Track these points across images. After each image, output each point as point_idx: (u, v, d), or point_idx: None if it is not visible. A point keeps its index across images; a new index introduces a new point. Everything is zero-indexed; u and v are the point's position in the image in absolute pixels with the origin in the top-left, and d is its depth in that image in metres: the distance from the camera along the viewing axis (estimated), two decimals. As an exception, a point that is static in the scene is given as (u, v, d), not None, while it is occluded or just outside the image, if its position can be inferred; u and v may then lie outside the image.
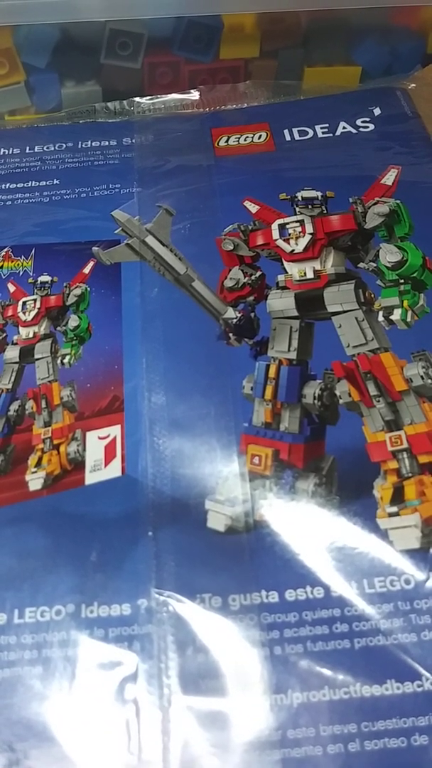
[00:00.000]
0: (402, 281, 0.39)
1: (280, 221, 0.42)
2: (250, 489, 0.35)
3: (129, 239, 0.45)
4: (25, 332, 0.43)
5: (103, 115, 0.56)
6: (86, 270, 0.44)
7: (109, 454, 0.37)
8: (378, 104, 0.53)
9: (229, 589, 0.32)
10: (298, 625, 0.31)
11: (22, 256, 0.46)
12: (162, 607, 0.32)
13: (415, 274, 0.39)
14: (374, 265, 0.40)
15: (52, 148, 0.53)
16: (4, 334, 0.43)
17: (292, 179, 0.47)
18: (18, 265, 0.45)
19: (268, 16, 0.52)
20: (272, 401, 0.38)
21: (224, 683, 0.30)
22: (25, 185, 0.50)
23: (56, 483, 0.37)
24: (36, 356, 0.42)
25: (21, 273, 0.45)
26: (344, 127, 0.52)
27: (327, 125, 0.52)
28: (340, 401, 0.37)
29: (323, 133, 0.52)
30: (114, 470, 0.36)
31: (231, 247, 0.43)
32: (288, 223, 0.42)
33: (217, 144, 0.52)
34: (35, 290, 0.44)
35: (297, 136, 0.52)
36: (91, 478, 0.36)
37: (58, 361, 0.42)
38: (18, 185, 0.50)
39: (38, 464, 0.38)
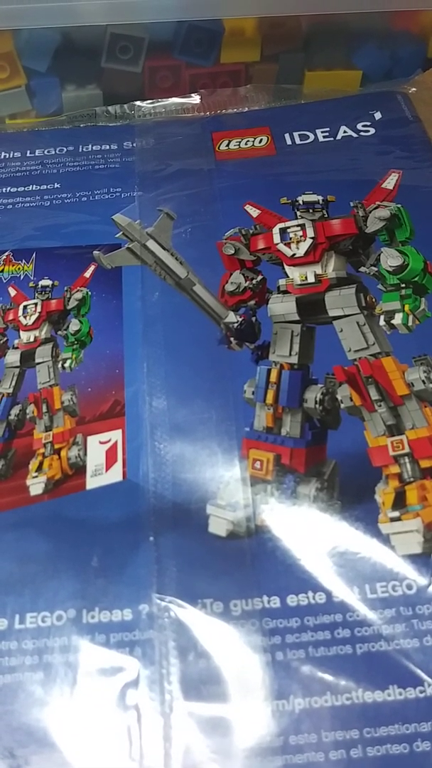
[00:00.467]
0: (403, 285, 0.39)
1: (281, 225, 0.42)
2: (252, 494, 0.35)
3: (130, 243, 0.45)
4: (26, 336, 0.43)
5: (104, 119, 0.56)
6: (87, 274, 0.44)
7: (110, 459, 0.37)
8: (379, 108, 0.53)
9: (230, 595, 0.32)
10: (299, 631, 0.31)
11: (23, 260, 0.46)
12: (163, 612, 0.32)
13: (416, 279, 0.39)
14: (375, 269, 0.40)
15: (53, 152, 0.53)
16: (5, 338, 0.43)
17: (293, 183, 0.47)
18: (19, 269, 0.45)
19: (269, 20, 0.52)
20: (273, 406, 0.38)
21: (226, 689, 0.30)
22: (26, 189, 0.50)
23: (57, 488, 0.37)
24: (37, 360, 0.42)
25: (22, 277, 0.45)
26: (345, 131, 0.52)
27: (328, 129, 0.52)
28: (342, 406, 0.37)
29: (324, 137, 0.52)
30: (115, 475, 0.36)
31: (232, 251, 0.43)
32: (289, 227, 0.42)
33: (218, 148, 0.52)
34: (36, 294, 0.44)
35: (298, 140, 0.52)
36: (92, 482, 0.36)
37: (59, 366, 0.41)
38: (19, 189, 0.50)
39: (39, 469, 0.38)
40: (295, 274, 0.41)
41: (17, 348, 0.43)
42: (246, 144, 0.52)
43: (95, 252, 0.45)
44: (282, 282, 0.41)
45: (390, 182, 0.43)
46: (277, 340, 0.40)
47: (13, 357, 0.42)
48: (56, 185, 0.50)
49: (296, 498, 0.35)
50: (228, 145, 0.52)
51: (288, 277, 0.41)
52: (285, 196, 0.43)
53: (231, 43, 0.53)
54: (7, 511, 0.36)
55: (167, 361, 0.40)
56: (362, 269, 0.41)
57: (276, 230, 0.42)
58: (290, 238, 0.41)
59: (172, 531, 0.34)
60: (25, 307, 0.44)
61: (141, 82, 0.55)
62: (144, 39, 0.52)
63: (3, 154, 0.53)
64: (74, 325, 0.42)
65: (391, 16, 0.53)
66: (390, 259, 0.39)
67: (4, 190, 0.50)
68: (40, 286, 0.45)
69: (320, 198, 0.43)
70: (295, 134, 0.52)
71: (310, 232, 0.41)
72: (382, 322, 0.39)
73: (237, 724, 0.29)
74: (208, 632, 0.31)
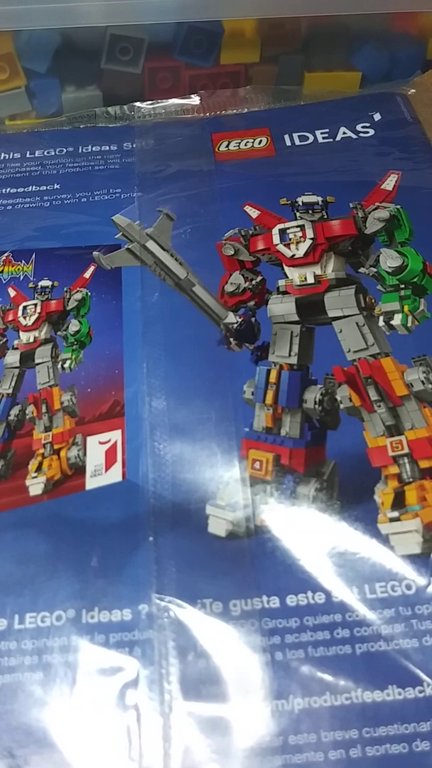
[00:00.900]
0: (402, 286, 0.39)
1: (281, 226, 0.42)
2: (251, 494, 0.35)
3: (130, 244, 0.45)
4: (25, 337, 0.43)
5: (104, 120, 0.56)
6: (87, 274, 0.44)
7: (110, 459, 0.37)
8: (378, 110, 0.53)
9: (230, 595, 0.32)
10: (299, 631, 0.31)
11: (23, 261, 0.46)
12: (163, 612, 0.32)
13: (415, 279, 0.39)
14: (375, 270, 0.40)
15: (53, 153, 0.53)
16: (5, 339, 0.43)
17: (292, 184, 0.47)
18: (18, 269, 0.45)
19: (269, 22, 0.52)
20: (273, 406, 0.38)
21: (225, 689, 0.30)
22: (26, 190, 0.50)
23: (57, 488, 0.37)
24: (36, 361, 0.42)
25: (21, 278, 0.45)
26: (344, 133, 0.52)
27: (327, 130, 0.52)
28: (341, 406, 0.37)
29: (323, 138, 0.52)
30: (114, 475, 0.36)
31: (231, 252, 0.43)
32: (288, 228, 0.42)
33: (218, 149, 0.52)
34: (36, 295, 0.44)
35: (297, 141, 0.52)
36: (91, 483, 0.36)
37: (59, 366, 0.42)
38: (18, 190, 0.50)
39: (39, 469, 0.38)
40: (294, 274, 0.41)
41: (17, 348, 0.43)
42: (245, 145, 0.52)
43: (95, 253, 0.45)
44: (281, 283, 0.41)
45: (389, 183, 0.44)
46: (276, 341, 0.40)
47: (12, 357, 0.42)
48: (56, 186, 0.50)
49: (296, 498, 0.35)
50: (228, 146, 0.52)
51: (287, 277, 0.41)
52: (284, 197, 0.43)
53: (230, 44, 0.53)
54: (7, 511, 0.36)
55: (167, 361, 0.40)
56: (361, 270, 0.41)
57: (275, 231, 0.42)
58: (290, 239, 0.41)
59: (171, 531, 0.34)
60: (24, 307, 0.44)
61: (141, 83, 0.55)
62: (144, 40, 0.52)
63: (3, 155, 0.53)
64: (74, 325, 0.42)
65: (391, 18, 0.53)
66: (389, 260, 0.39)
67: (3, 190, 0.50)
68: (39, 286, 0.45)
69: (320, 199, 0.43)
70: (295, 135, 0.52)
71: (309, 233, 0.41)
72: (381, 323, 0.39)
73: (236, 723, 0.29)
74: (207, 632, 0.31)
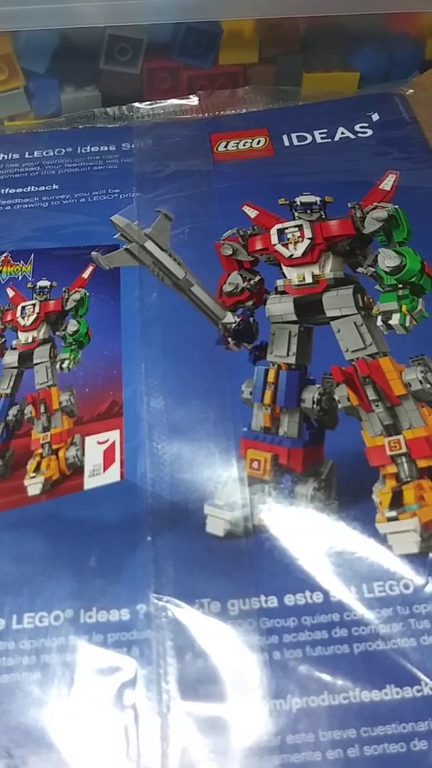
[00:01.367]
0: (400, 286, 0.39)
1: (279, 226, 0.42)
2: (249, 493, 0.35)
3: (128, 244, 0.45)
4: (24, 337, 0.43)
5: (103, 121, 0.56)
6: (85, 275, 0.44)
7: (108, 459, 0.37)
8: (376, 110, 0.53)
9: (228, 594, 0.32)
10: (297, 630, 0.31)
11: (21, 261, 0.46)
12: (161, 612, 0.32)
13: (413, 279, 0.39)
14: (373, 269, 0.40)
15: (52, 154, 0.53)
16: (3, 339, 0.43)
17: (290, 184, 0.47)
18: (17, 270, 0.45)
19: (267, 22, 0.52)
20: (271, 406, 0.38)
21: (223, 688, 0.30)
22: (25, 190, 0.50)
23: (55, 488, 0.37)
24: (35, 361, 0.42)
25: (20, 278, 0.45)
26: (343, 133, 0.52)
27: (325, 131, 0.52)
28: (339, 406, 0.37)
29: (322, 138, 0.52)
30: (113, 475, 0.36)
31: (230, 252, 0.43)
32: (287, 228, 0.42)
33: (216, 149, 0.52)
34: (34, 295, 0.44)
35: (296, 142, 0.52)
36: (89, 483, 0.36)
37: (57, 366, 0.42)
38: (17, 190, 0.50)
39: (37, 469, 0.38)
40: (292, 274, 0.41)
41: (15, 349, 0.43)
42: (244, 145, 0.52)
43: (93, 253, 0.45)
44: (280, 282, 0.41)
45: (387, 183, 0.44)
46: (274, 341, 0.40)
47: (11, 358, 0.42)
48: (55, 186, 0.50)
49: (294, 498, 0.35)
50: (226, 146, 0.52)
51: (286, 277, 0.41)
52: (283, 197, 0.43)
53: (229, 44, 0.53)
54: (5, 511, 0.36)
55: (165, 361, 0.40)
56: (360, 270, 0.41)
57: (274, 231, 0.42)
58: (288, 239, 0.41)
59: (169, 531, 0.34)
60: (23, 307, 0.44)
61: (139, 83, 0.55)
62: (142, 40, 0.52)
63: (2, 155, 0.53)
64: (72, 325, 0.42)
65: (389, 18, 0.53)
66: (387, 259, 0.39)
67: (2, 191, 0.50)
68: (38, 286, 0.45)
69: (318, 199, 0.43)
70: (293, 135, 0.52)
71: (307, 233, 0.41)
72: (379, 323, 0.39)
73: (234, 723, 0.29)
74: (205, 632, 0.31)
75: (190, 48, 0.53)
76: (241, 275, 0.42)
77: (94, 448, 0.38)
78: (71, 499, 0.36)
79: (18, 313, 0.44)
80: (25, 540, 0.34)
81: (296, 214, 0.43)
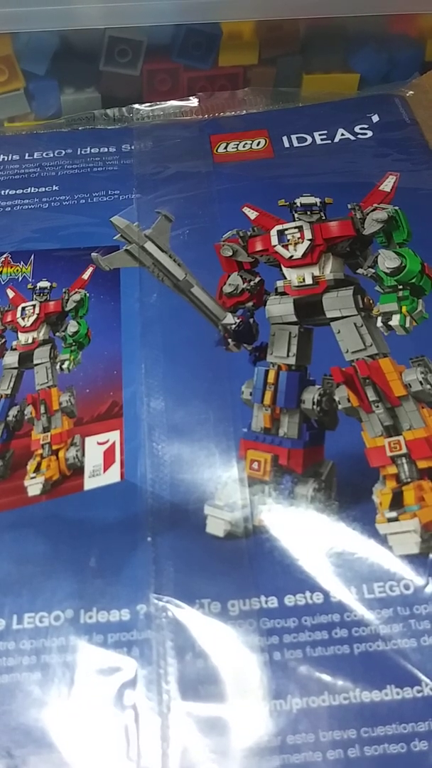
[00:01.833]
0: (401, 287, 0.39)
1: (279, 227, 0.42)
2: (249, 494, 0.35)
3: (128, 245, 0.45)
4: (24, 338, 0.43)
5: (103, 122, 0.56)
6: (85, 276, 0.44)
7: (108, 460, 0.37)
8: (376, 111, 0.54)
9: (228, 595, 0.32)
10: (297, 631, 0.31)
11: (21, 262, 0.46)
12: (161, 612, 0.32)
13: (413, 280, 0.39)
14: (373, 271, 0.40)
15: (52, 155, 0.53)
16: (3, 340, 0.44)
17: (290, 186, 0.47)
18: (17, 271, 0.45)
19: (267, 24, 0.53)
20: (271, 407, 0.38)
21: (223, 689, 0.30)
22: (25, 191, 0.50)
23: (55, 488, 0.37)
24: (35, 362, 0.42)
25: (20, 279, 0.45)
26: (343, 134, 0.52)
27: (325, 132, 0.52)
28: (339, 406, 0.37)
29: (322, 139, 0.52)
30: (113, 476, 0.36)
31: (230, 253, 0.43)
32: (287, 230, 0.42)
33: (216, 150, 0.52)
34: (34, 296, 0.44)
35: (296, 143, 0.52)
36: (89, 483, 0.36)
37: (57, 367, 0.42)
38: (17, 191, 0.50)
39: (37, 470, 0.38)
40: (292, 275, 0.41)
41: (15, 349, 0.43)
42: (244, 147, 0.52)
43: (93, 254, 0.45)
44: (280, 284, 0.41)
45: (387, 184, 0.44)
46: (274, 342, 0.40)
47: (11, 358, 0.43)
48: (55, 188, 0.50)
49: (294, 498, 0.35)
50: (226, 147, 0.52)
51: (286, 278, 0.41)
52: (283, 199, 0.43)
53: (229, 46, 0.53)
54: (5, 511, 0.36)
55: (165, 362, 0.40)
56: (360, 271, 0.41)
57: (274, 232, 0.42)
58: (288, 240, 0.42)
59: (169, 531, 0.34)
60: (23, 308, 0.44)
61: (139, 85, 0.55)
62: (142, 42, 0.52)
63: (2, 156, 0.53)
64: (72, 326, 0.42)
65: (389, 20, 0.53)
66: (387, 260, 0.39)
67: (2, 192, 0.50)
68: (38, 287, 0.45)
69: (318, 200, 0.43)
70: (293, 137, 0.52)
71: (307, 234, 0.41)
72: (379, 324, 0.39)
73: (234, 723, 0.29)
74: (205, 632, 0.31)
75: (190, 49, 0.53)
76: (241, 276, 0.42)
77: (94, 448, 0.38)
78: (71, 500, 0.36)
79: (18, 314, 0.44)
80: (26, 540, 0.34)
81: (296, 215, 0.43)
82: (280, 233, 0.42)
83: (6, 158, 0.53)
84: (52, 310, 0.44)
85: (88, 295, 0.44)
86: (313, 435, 0.37)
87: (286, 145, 0.52)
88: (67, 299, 0.44)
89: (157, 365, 0.40)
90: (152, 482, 0.36)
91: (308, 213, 0.42)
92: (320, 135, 0.52)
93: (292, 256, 0.41)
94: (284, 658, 0.30)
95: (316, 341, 0.40)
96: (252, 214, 0.44)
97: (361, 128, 0.52)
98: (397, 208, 0.42)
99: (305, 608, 0.31)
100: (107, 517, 0.35)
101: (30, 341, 0.43)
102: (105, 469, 0.37)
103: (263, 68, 0.56)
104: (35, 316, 0.44)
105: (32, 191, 0.50)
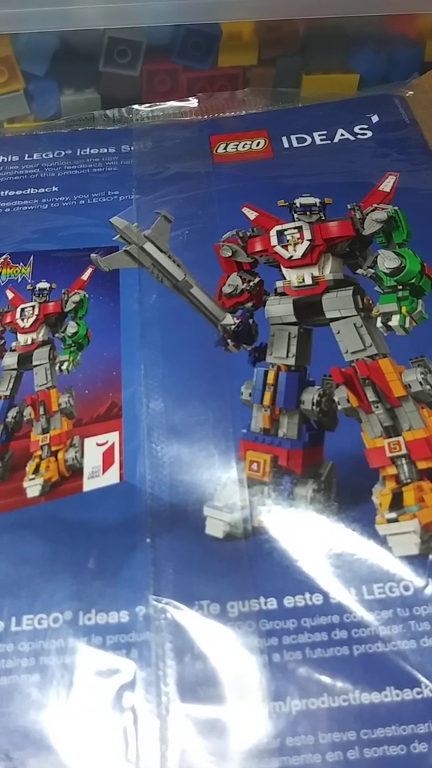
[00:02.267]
0: (400, 287, 0.39)
1: (279, 228, 0.42)
2: (249, 495, 0.35)
3: (127, 246, 0.45)
4: (23, 339, 0.43)
5: (102, 123, 0.56)
6: (85, 277, 0.44)
7: (107, 461, 0.37)
8: (376, 111, 0.53)
9: (227, 596, 0.32)
10: (296, 632, 0.31)
11: (21, 263, 0.46)
12: (160, 614, 0.32)
13: (413, 281, 0.39)
14: (372, 271, 0.40)
15: (51, 156, 0.53)
16: (3, 341, 0.43)
17: (290, 186, 0.47)
18: (16, 272, 0.45)
19: (266, 24, 0.52)
20: (271, 407, 0.38)
21: (222, 691, 0.30)
22: (24, 192, 0.50)
23: (54, 490, 0.37)
24: (34, 363, 0.42)
25: (19, 280, 0.45)
26: (342, 134, 0.52)
27: (325, 132, 0.52)
28: (339, 407, 0.37)
29: (321, 140, 0.52)
30: (112, 477, 0.36)
31: (229, 254, 0.43)
32: (286, 230, 0.42)
33: (216, 151, 0.52)
34: (33, 297, 0.44)
35: (295, 143, 0.52)
36: (89, 484, 0.36)
37: (57, 368, 0.42)
38: (17, 192, 0.50)
39: (36, 471, 0.38)
40: (292, 276, 0.41)
41: (14, 350, 0.43)
42: (243, 147, 0.52)
43: (93, 255, 0.45)
44: (279, 284, 0.41)
45: (387, 185, 0.43)
46: (274, 342, 0.40)
47: (10, 359, 0.42)
48: (54, 188, 0.50)
49: (293, 499, 0.35)
50: (225, 148, 0.52)
51: (285, 279, 0.41)
52: (282, 199, 0.43)
53: (228, 46, 0.53)
54: (4, 513, 0.36)
55: (164, 363, 0.40)
56: (359, 271, 0.41)
57: (273, 232, 0.42)
58: (287, 241, 0.41)
59: (168, 533, 0.34)
60: (22, 309, 0.44)
61: (139, 85, 0.55)
62: (142, 43, 0.52)
63: (1, 157, 0.53)
64: (72, 327, 0.42)
65: (388, 20, 0.53)
66: (387, 261, 0.39)
67: (2, 193, 0.50)
68: (37, 288, 0.45)
69: (317, 200, 0.43)
70: (293, 137, 0.52)
71: (307, 235, 0.41)
72: (379, 324, 0.39)
73: (234, 725, 0.29)
74: (204, 634, 0.31)
75: (190, 50, 0.53)
76: (240, 277, 0.42)
77: (93, 449, 0.38)
78: (70, 501, 0.36)
79: (17, 315, 0.44)
80: (24, 542, 0.34)
81: (296, 215, 0.43)
82: (280, 234, 0.42)
83: (5, 159, 0.53)
84: (51, 311, 0.44)
85: (87, 296, 0.44)
86: (312, 436, 0.37)
87: (286, 145, 0.52)
88: (67, 300, 0.44)
89: (156, 366, 0.40)
90: (151, 483, 0.36)
91: (308, 213, 0.42)
92: (320, 135, 0.52)
93: (291, 257, 0.41)
94: (283, 660, 0.30)
95: (316, 342, 0.40)
96: (251, 215, 0.44)
97: (360, 128, 0.52)
98: (396, 208, 0.41)
99: (305, 609, 0.31)
100: (106, 518, 0.35)
101: (29, 342, 0.43)
102: (104, 471, 0.37)
103: (263, 69, 0.56)
104: (34, 317, 0.44)
105: (32, 192, 0.50)
